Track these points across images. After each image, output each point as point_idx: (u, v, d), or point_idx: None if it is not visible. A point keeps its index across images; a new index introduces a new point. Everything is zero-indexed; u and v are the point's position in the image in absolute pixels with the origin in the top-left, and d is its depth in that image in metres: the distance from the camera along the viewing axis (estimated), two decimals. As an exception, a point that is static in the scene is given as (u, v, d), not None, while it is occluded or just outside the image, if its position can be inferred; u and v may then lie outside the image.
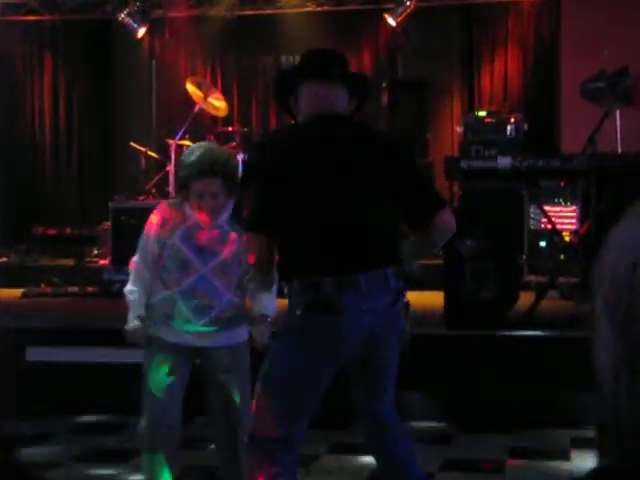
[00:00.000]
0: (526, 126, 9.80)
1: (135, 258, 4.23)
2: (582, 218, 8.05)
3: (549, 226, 7.80)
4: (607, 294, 0.65)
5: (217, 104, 10.48)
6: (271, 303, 4.17)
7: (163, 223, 4.11)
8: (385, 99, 11.04)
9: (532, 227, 8.36)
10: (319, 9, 11.40)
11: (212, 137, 10.24)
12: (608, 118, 7.41)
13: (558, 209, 8.21)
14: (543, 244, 8.30)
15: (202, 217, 4.07)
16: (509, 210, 8.07)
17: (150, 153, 10.25)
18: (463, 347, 6.64)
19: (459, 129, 10.20)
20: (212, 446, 4.67)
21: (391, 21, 11.01)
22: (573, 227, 8.12)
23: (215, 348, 4.18)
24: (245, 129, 10.67)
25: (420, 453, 5.35)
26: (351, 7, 11.30)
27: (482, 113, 10.22)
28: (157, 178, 10.20)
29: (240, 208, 3.57)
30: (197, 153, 4.00)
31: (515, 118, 9.84)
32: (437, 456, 5.67)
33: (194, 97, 10.27)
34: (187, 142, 10.11)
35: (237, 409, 4.18)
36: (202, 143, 4.23)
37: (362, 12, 11.40)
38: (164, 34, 12.18)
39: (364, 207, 3.48)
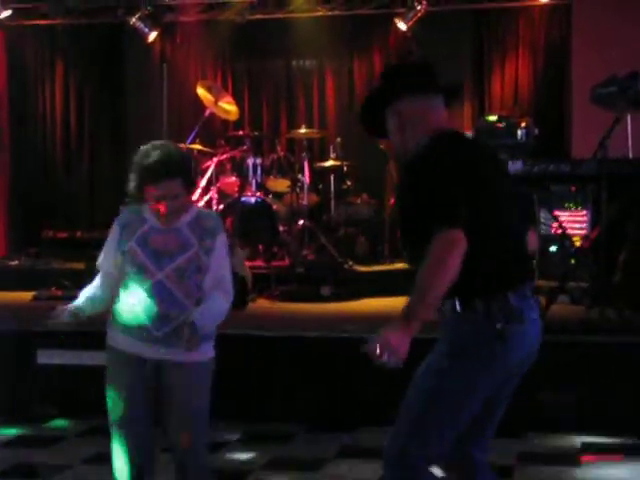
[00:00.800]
0: (537, 130, 9.79)
1: (98, 261, 4.12)
2: (593, 223, 8.04)
3: (560, 231, 7.79)
4: None
5: (228, 108, 10.50)
6: (211, 313, 3.91)
7: (122, 229, 3.98)
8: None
9: (543, 232, 8.35)
10: (330, 13, 11.40)
11: (223, 141, 10.28)
12: (619, 123, 7.40)
13: (568, 214, 8.20)
14: (554, 249, 8.28)
15: (162, 220, 3.91)
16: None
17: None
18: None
19: (470, 133, 10.19)
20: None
21: (402, 25, 11.01)
22: (584, 232, 8.10)
23: (175, 363, 3.92)
24: (256, 133, 10.69)
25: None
26: (362, 11, 11.30)
27: (493, 118, 10.21)
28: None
29: (447, 206, 3.12)
30: (154, 155, 3.82)
31: (526, 122, 9.83)
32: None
33: (205, 101, 10.30)
34: (198, 146, 10.17)
35: (190, 428, 3.99)
36: (156, 143, 3.99)
37: (373, 16, 11.41)
38: (175, 38, 12.21)
39: (518, 221, 3.48)
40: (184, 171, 3.84)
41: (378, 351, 3.06)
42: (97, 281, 4.08)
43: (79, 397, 6.75)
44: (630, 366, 6.32)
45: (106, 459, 4.13)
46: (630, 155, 8.15)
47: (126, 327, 3.98)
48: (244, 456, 6.00)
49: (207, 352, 4.00)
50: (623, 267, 7.48)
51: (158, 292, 3.86)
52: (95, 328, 4.31)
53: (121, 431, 4.00)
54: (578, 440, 6.07)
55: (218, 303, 3.93)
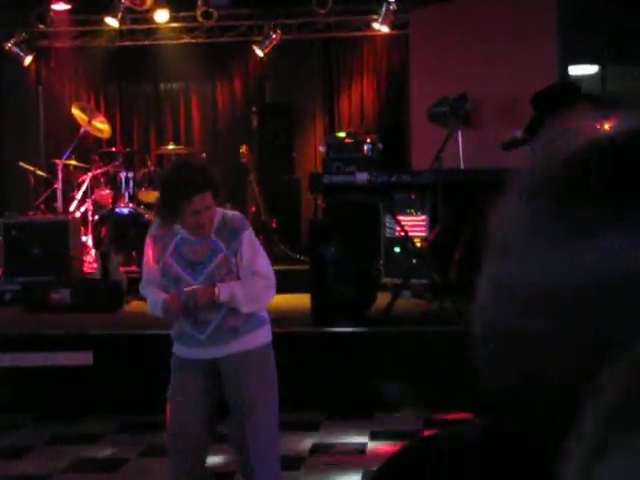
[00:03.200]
0: (381, 145, 9.96)
1: (142, 281, 3.96)
2: (431, 226, 8.22)
3: (402, 234, 7.93)
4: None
5: (101, 127, 10.31)
6: (240, 287, 3.77)
7: (155, 242, 3.81)
8: (255, 122, 11.07)
9: (387, 235, 8.48)
10: (194, 41, 11.33)
11: (97, 157, 10.09)
12: (451, 138, 7.60)
13: (410, 219, 8.35)
14: (397, 250, 8.42)
15: (199, 233, 3.74)
16: (367, 220, 8.20)
17: (39, 172, 10.03)
18: (326, 343, 6.70)
19: (322, 148, 10.30)
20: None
21: (259, 52, 11.04)
22: (423, 234, 8.27)
23: (225, 357, 3.83)
24: (127, 149, 10.54)
25: (292, 440, 5.38)
26: (223, 39, 11.28)
27: (342, 134, 10.35)
28: (45, 195, 9.98)
29: None
30: (186, 171, 3.67)
31: (371, 139, 10.01)
32: (306, 441, 5.72)
33: (79, 120, 10.10)
34: (74, 162, 9.95)
35: (250, 416, 3.84)
36: (181, 160, 3.81)
37: (233, 44, 11.39)
38: (50, 62, 11.89)
39: None
40: (214, 182, 3.71)
41: None
42: (152, 291, 3.87)
43: None
44: (464, 351, 6.48)
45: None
46: (462, 166, 8.37)
47: (178, 335, 3.89)
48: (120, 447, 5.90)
49: (255, 339, 3.89)
50: (458, 265, 7.67)
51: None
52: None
53: (175, 433, 3.87)
54: (422, 418, 6.20)
55: (252, 282, 3.81)
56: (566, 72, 8.85)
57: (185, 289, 3.70)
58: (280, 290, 8.39)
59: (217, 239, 3.77)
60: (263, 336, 3.92)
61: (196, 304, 3.70)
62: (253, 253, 3.84)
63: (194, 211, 3.63)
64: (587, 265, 0.62)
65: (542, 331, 0.64)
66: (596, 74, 10.47)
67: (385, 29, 10.60)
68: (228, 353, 3.82)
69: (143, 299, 8.29)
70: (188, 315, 3.77)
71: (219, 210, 3.84)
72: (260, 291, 3.85)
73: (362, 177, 6.91)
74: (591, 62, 10.31)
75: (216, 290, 3.68)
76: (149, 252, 3.85)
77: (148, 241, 3.86)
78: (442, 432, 0.83)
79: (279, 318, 6.77)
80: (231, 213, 3.90)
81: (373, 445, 5.71)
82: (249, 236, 3.84)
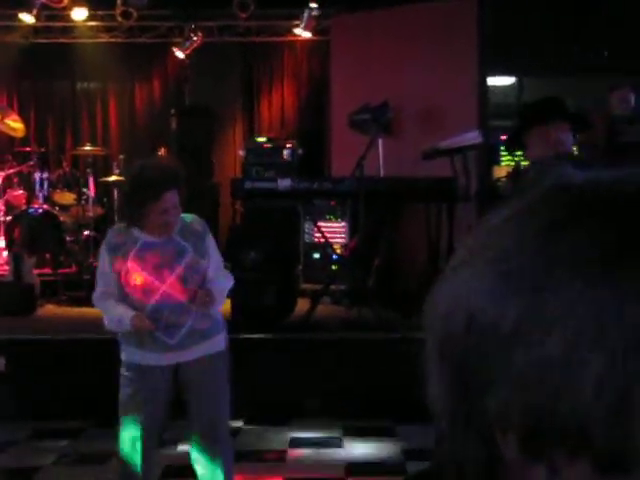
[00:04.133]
0: (301, 151, 9.99)
1: (96, 293, 3.83)
2: (351, 233, 8.29)
3: (322, 240, 7.97)
4: (440, 343, 0.65)
5: (14, 125, 10.07)
6: (220, 287, 3.84)
7: (114, 250, 3.72)
8: (174, 124, 10.96)
9: (307, 241, 8.51)
10: (112, 40, 11.16)
11: (10, 156, 9.86)
12: (372, 146, 7.65)
13: (329, 225, 8.41)
14: (317, 256, 8.47)
15: (164, 232, 3.70)
16: (287, 226, 8.20)
17: (-52, 171, 9.76)
18: (246, 349, 6.67)
19: (241, 152, 10.28)
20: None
21: (179, 54, 10.95)
22: (343, 241, 8.33)
23: (191, 361, 3.81)
24: (42, 149, 10.32)
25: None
26: (142, 40, 11.14)
27: (261, 139, 10.34)
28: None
29: None
30: (152, 171, 3.62)
31: (291, 144, 10.02)
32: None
33: (-9, 118, 9.85)
34: (-14, 161, 9.71)
35: (213, 417, 3.88)
36: (146, 160, 3.74)
37: (152, 44, 11.26)
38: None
39: None
40: (181, 181, 3.67)
41: None
42: (111, 303, 3.76)
43: None
44: (384, 358, 6.54)
45: None
46: (382, 174, 8.45)
47: (139, 341, 3.76)
48: (35, 453, 5.77)
49: (219, 344, 3.91)
50: (376, 272, 7.74)
51: (166, 305, 3.71)
52: None
53: (134, 422, 3.80)
54: (340, 424, 6.23)
55: (223, 282, 3.89)
56: (484, 82, 9.01)
57: (200, 293, 3.69)
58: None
59: (181, 240, 3.76)
60: (225, 338, 3.98)
61: (189, 310, 3.75)
62: (217, 255, 3.91)
63: (163, 210, 3.61)
64: None
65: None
66: (513, 85, 10.71)
67: (307, 34, 10.63)
68: (197, 356, 3.82)
69: (57, 303, 8.23)
70: (159, 323, 3.73)
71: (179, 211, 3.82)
72: (226, 288, 3.94)
73: (284, 183, 6.91)
74: (509, 74, 10.54)
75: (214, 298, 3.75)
76: (105, 261, 3.76)
77: (104, 250, 3.78)
78: (425, 471, 0.78)
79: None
80: (190, 216, 3.89)
81: (292, 451, 5.71)
82: (212, 239, 3.90)
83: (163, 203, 3.60)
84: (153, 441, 3.91)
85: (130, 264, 3.70)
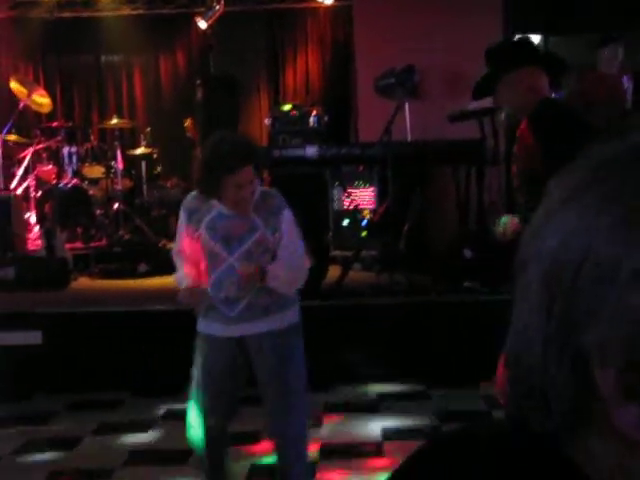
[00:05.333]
0: (327, 118, 9.97)
1: (174, 249, 3.89)
2: (379, 198, 8.28)
3: (351, 206, 7.97)
4: (546, 273, 0.66)
5: (41, 100, 10.13)
6: (285, 266, 3.70)
7: (190, 215, 3.75)
8: (199, 94, 10.97)
9: (336, 208, 8.51)
10: (134, 12, 11.17)
11: (38, 131, 9.92)
12: (399, 111, 7.62)
13: (358, 191, 8.40)
14: (346, 222, 8.47)
15: (239, 208, 3.66)
16: (315, 193, 8.21)
17: (-23, 148, 9.86)
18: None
19: (267, 121, 10.26)
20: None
21: (202, 24, 10.91)
22: (372, 206, 8.32)
23: (253, 335, 3.77)
24: (69, 124, 10.40)
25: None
26: (164, 11, 11.14)
27: (287, 107, 10.32)
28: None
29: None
30: (228, 145, 3.58)
31: (317, 111, 9.99)
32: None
33: (18, 94, 9.91)
34: (14, 137, 9.78)
35: (282, 394, 3.80)
36: (224, 134, 3.73)
37: (175, 15, 11.27)
38: (-16, 34, 11.64)
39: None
40: (256, 156, 3.64)
41: None
42: (181, 263, 3.84)
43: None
44: (415, 322, 6.57)
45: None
46: (409, 138, 8.42)
47: (204, 312, 3.81)
48: (75, 424, 5.87)
49: (285, 318, 3.81)
50: (406, 236, 7.74)
51: (229, 276, 3.70)
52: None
53: (204, 398, 3.84)
54: (374, 390, 6.27)
55: (292, 264, 3.72)
56: (511, 43, 8.90)
57: (239, 269, 3.66)
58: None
59: (255, 216, 3.70)
60: (292, 316, 3.85)
61: (240, 287, 3.69)
62: (293, 233, 3.76)
63: (237, 184, 3.56)
64: None
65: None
66: (538, 44, 10.59)
67: (329, 1, 10.56)
68: (257, 331, 3.77)
69: (90, 276, 8.30)
70: (220, 294, 3.75)
71: (257, 186, 3.74)
72: (298, 273, 3.79)
73: (311, 150, 6.91)
74: (535, 32, 10.42)
75: (267, 275, 3.64)
76: (182, 222, 3.81)
77: (182, 212, 3.81)
78: (457, 431, 0.80)
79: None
80: (268, 190, 3.82)
81: (327, 416, 5.76)
82: (289, 215, 3.76)
83: (238, 177, 3.55)
84: (220, 410, 3.89)
85: (202, 232, 3.73)
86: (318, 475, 4.76)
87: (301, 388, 3.86)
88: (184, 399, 5.65)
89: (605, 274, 0.62)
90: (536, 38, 10.52)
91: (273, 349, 3.79)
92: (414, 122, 8.49)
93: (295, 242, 3.77)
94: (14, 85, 9.93)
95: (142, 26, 11.20)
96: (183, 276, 3.80)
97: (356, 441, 5.32)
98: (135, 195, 10.35)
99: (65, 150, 9.70)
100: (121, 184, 9.76)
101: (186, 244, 3.82)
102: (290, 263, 3.73)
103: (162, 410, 6.06)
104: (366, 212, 8.07)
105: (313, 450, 4.74)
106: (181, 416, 5.85)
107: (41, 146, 9.76)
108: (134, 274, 8.36)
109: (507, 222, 3.78)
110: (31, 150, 9.68)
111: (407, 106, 8.36)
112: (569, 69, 4.01)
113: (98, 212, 9.55)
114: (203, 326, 3.86)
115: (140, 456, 5.19)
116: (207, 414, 3.86)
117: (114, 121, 10.26)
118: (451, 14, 8.88)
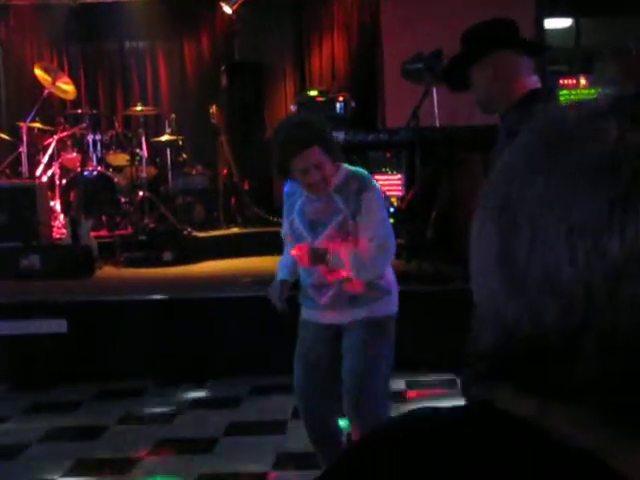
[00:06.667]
0: (353, 103, 9.92)
1: (282, 233, 3.88)
2: (407, 185, 8.23)
3: (379, 193, 7.91)
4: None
5: (65, 88, 10.16)
6: (357, 256, 3.58)
7: (287, 199, 3.75)
8: (224, 80, 10.97)
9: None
10: (158, -3, 11.17)
11: (62, 119, 9.95)
12: (427, 96, 7.56)
13: (385, 177, 8.36)
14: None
15: (314, 191, 3.59)
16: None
17: (2, 136, 9.90)
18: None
19: (293, 107, 10.23)
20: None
21: (227, 9, 10.90)
22: (400, 193, 8.27)
23: (343, 325, 3.72)
24: (94, 111, 10.42)
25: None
26: (189, -4, 11.14)
27: (313, 92, 10.29)
28: (10, 159, 9.85)
29: None
30: (289, 129, 3.52)
31: (343, 97, 9.95)
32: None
33: (42, 81, 9.94)
34: (38, 124, 9.82)
35: (356, 384, 3.70)
36: (290, 117, 3.67)
37: (199, 0, 11.25)
38: (9, 21, 11.66)
39: None
40: (322, 137, 3.51)
41: None
42: (285, 250, 3.85)
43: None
44: (444, 311, 6.52)
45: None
46: (437, 124, 8.36)
47: (302, 296, 3.82)
48: (100, 413, 5.89)
49: (375, 309, 3.71)
50: (434, 224, 7.69)
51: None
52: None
53: (298, 396, 3.83)
54: (402, 379, 6.24)
55: (366, 248, 3.57)
56: (541, 26, 8.83)
57: (292, 251, 3.65)
58: (256, 252, 8.40)
59: (338, 197, 3.61)
60: (384, 306, 3.76)
61: (303, 265, 3.65)
62: (372, 216, 3.59)
63: (302, 169, 3.48)
64: None
65: None
66: (570, 27, 10.47)
67: (356, -16, 10.51)
68: (346, 320, 3.71)
69: (115, 264, 8.33)
70: (311, 280, 3.72)
71: (343, 167, 3.66)
72: (374, 258, 3.59)
73: (338, 136, 6.87)
74: (566, 15, 10.31)
75: (329, 255, 3.57)
76: (284, 207, 3.81)
77: (285, 195, 3.80)
78: (417, 411, 0.73)
79: (255, 281, 6.77)
80: (354, 171, 3.69)
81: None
82: (370, 197, 3.60)
83: (304, 160, 3.46)
84: (317, 394, 3.83)
85: (294, 216, 3.71)
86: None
87: (383, 377, 3.78)
88: (208, 387, 5.70)
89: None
90: (567, 21, 10.41)
91: (361, 340, 3.70)
92: (442, 107, 8.42)
93: (373, 226, 3.59)
94: (38, 72, 9.96)
95: (166, 12, 11.19)
96: (280, 267, 3.82)
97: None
98: (160, 183, 10.37)
99: (90, 138, 9.72)
100: (146, 172, 9.77)
101: (287, 228, 3.79)
102: (363, 248, 3.58)
103: (187, 398, 6.07)
104: (393, 199, 8.02)
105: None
106: (206, 404, 5.93)
107: (66, 134, 9.78)
108: (159, 262, 8.37)
109: None
110: (56, 138, 9.71)
111: (435, 91, 8.29)
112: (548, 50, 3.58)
113: (123, 200, 9.57)
114: (302, 310, 3.87)
115: (166, 445, 5.20)
116: (307, 395, 3.83)
117: (139, 108, 10.27)
118: (480, -3, 8.79)
